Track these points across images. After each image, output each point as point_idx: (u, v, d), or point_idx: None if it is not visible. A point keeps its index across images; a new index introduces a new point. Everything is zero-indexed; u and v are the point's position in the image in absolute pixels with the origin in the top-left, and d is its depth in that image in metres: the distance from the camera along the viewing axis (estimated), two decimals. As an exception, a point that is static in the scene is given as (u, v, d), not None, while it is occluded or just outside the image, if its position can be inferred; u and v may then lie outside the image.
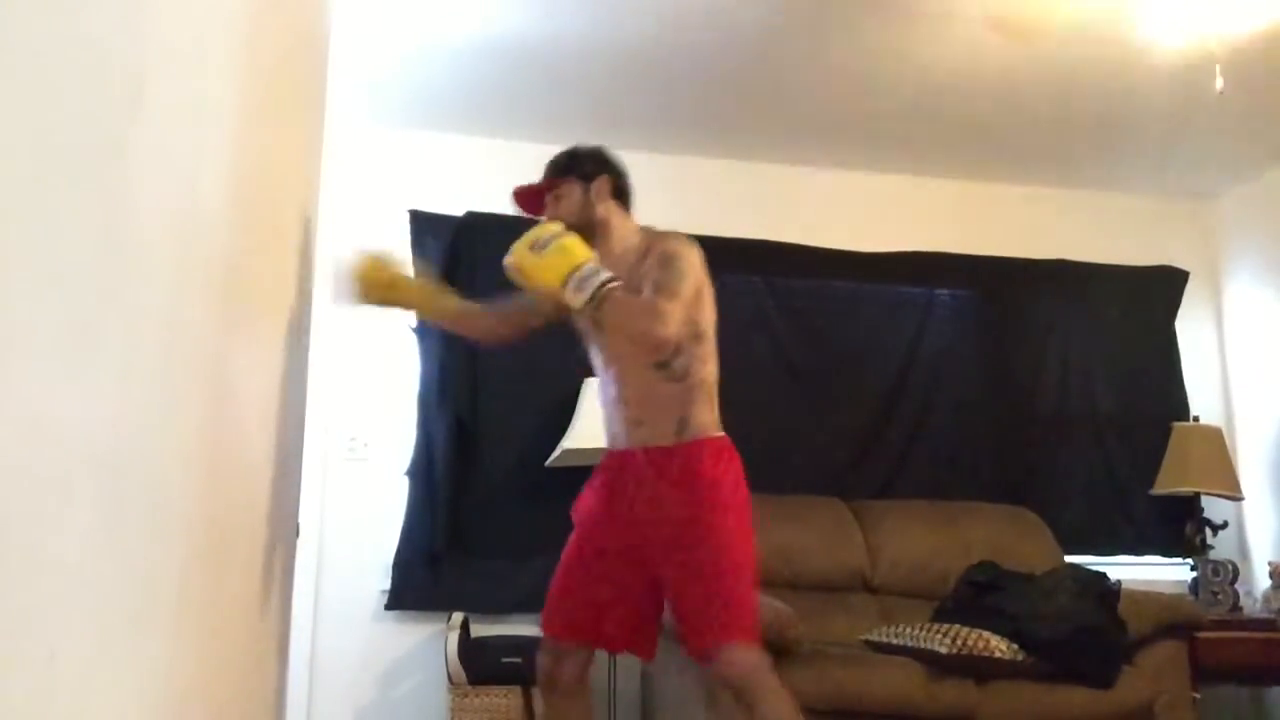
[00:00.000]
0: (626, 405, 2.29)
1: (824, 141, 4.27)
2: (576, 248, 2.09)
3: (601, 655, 3.67)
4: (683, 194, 4.34)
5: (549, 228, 2.14)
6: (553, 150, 4.13)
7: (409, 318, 4.00)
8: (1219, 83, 3.07)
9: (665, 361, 2.21)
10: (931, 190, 4.59)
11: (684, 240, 2.27)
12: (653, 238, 2.31)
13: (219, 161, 1.17)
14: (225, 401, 1.30)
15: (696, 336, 2.23)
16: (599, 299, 2.05)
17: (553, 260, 2.06)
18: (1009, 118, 4.02)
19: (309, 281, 2.58)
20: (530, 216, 2.42)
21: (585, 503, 2.37)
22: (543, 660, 2.33)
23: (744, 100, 3.91)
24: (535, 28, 3.40)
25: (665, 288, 2.14)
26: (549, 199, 2.37)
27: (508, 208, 4.12)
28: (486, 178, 4.18)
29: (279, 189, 1.85)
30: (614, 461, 2.34)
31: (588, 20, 3.36)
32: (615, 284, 2.07)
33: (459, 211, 4.06)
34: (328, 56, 3.07)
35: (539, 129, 4.12)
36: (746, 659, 2.12)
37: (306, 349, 2.61)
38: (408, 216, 4.05)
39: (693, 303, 2.19)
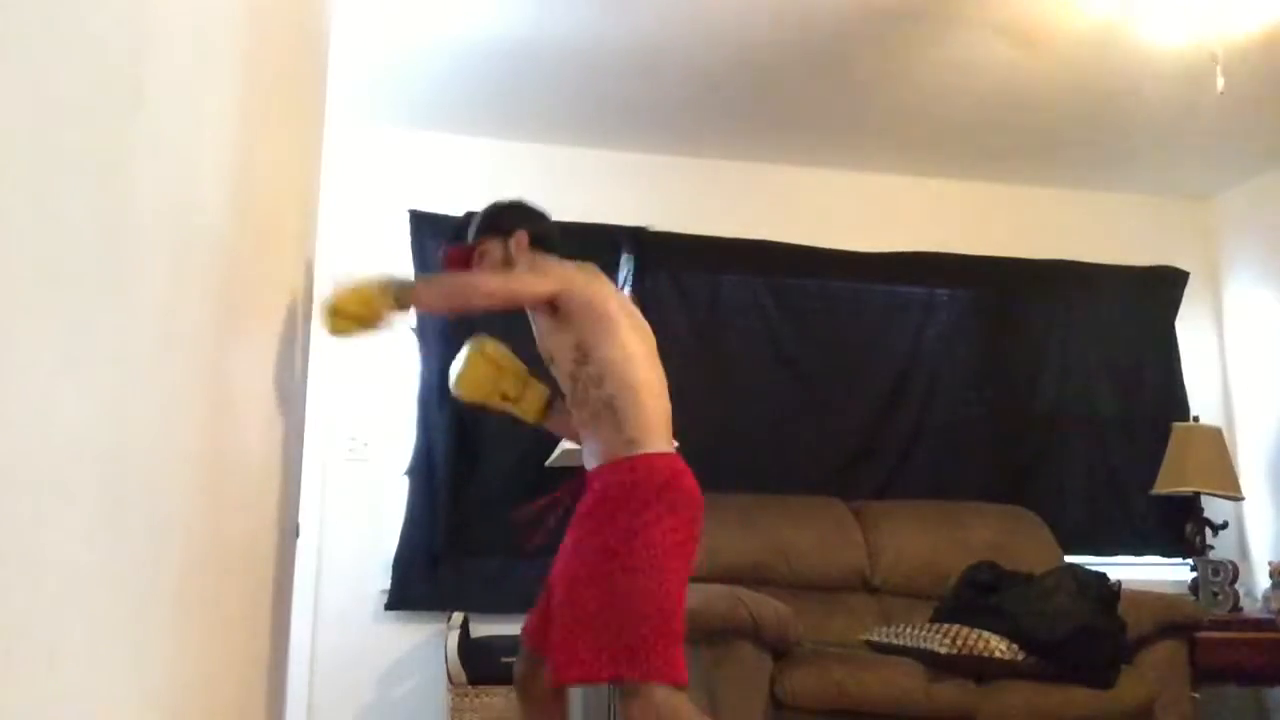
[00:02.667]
0: (580, 436, 2.38)
1: (825, 142, 4.27)
2: (369, 285, 2.16)
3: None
4: (683, 194, 4.35)
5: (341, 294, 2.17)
6: (552, 150, 4.21)
7: (410, 318, 4.01)
8: (1219, 83, 3.07)
9: (571, 388, 2.26)
10: (931, 190, 4.60)
11: (570, 265, 2.35)
12: None
13: (219, 161, 1.17)
14: (225, 401, 1.30)
15: (583, 360, 2.24)
16: (403, 294, 2.14)
17: (359, 290, 2.13)
18: (1009, 118, 4.02)
19: (309, 281, 2.59)
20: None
21: None
22: (519, 664, 2.37)
23: (744, 101, 3.91)
24: (535, 28, 3.40)
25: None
26: (475, 257, 2.46)
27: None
28: (486, 178, 4.19)
29: (279, 189, 1.85)
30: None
31: (587, 21, 3.36)
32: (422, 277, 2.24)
33: (459, 211, 4.06)
34: (328, 56, 3.07)
35: (539, 129, 4.13)
36: (645, 705, 2.00)
37: (307, 349, 2.61)
38: (408, 216, 4.05)
39: (579, 324, 2.23)
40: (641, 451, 2.17)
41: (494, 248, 2.43)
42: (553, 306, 2.26)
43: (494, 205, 2.53)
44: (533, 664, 2.31)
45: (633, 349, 2.24)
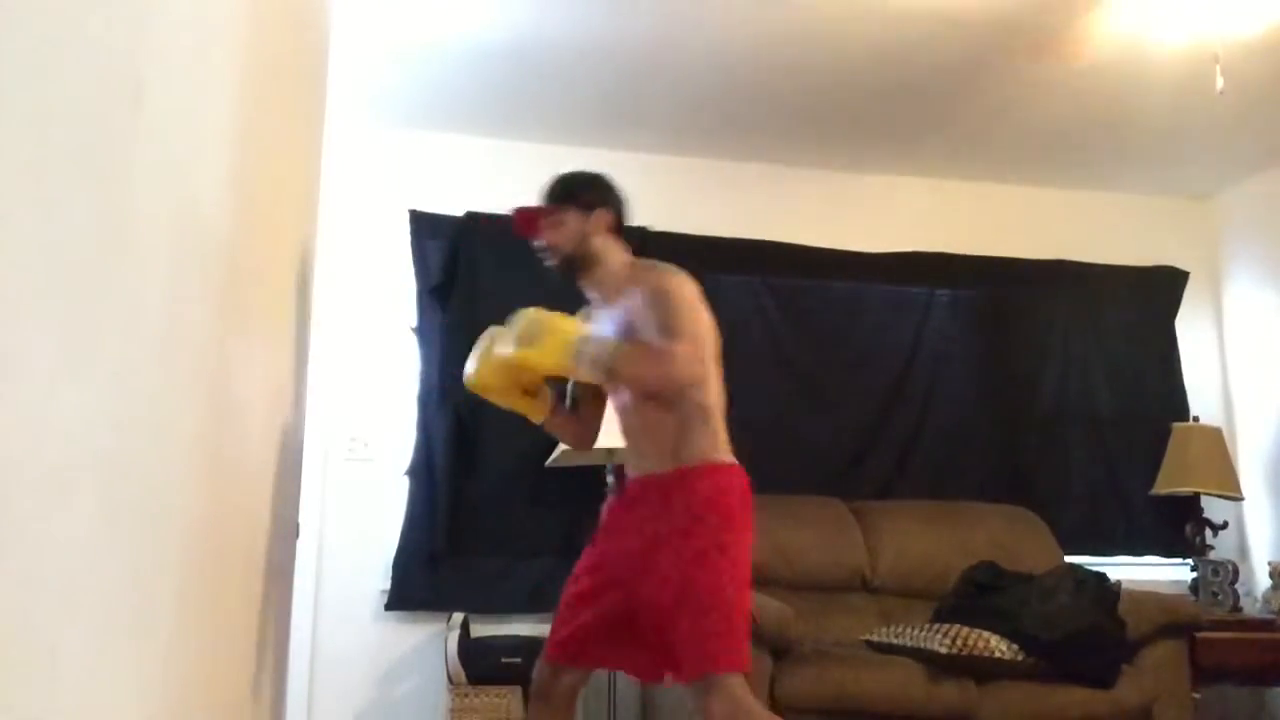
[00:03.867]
0: (631, 436, 2.30)
1: (824, 142, 4.27)
2: (565, 324, 2.12)
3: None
4: (683, 194, 4.35)
5: (523, 315, 2.13)
6: (552, 150, 4.20)
7: (410, 316, 4.01)
8: (1219, 83, 3.07)
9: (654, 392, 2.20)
10: (932, 190, 4.60)
11: (672, 273, 2.24)
12: (640, 271, 2.29)
13: (219, 161, 1.17)
14: (225, 401, 1.30)
15: None
16: (610, 365, 2.08)
17: (552, 345, 2.08)
18: (1009, 118, 4.02)
19: (309, 281, 2.59)
20: (525, 238, 2.41)
21: (600, 530, 2.35)
22: (541, 671, 2.32)
23: (744, 101, 3.91)
24: (535, 28, 3.40)
25: (667, 328, 2.14)
26: (545, 224, 2.34)
27: (507, 208, 4.15)
28: (486, 178, 4.19)
29: (279, 189, 1.85)
30: (625, 489, 2.35)
31: (588, 21, 3.36)
32: (619, 347, 2.12)
33: (459, 211, 4.07)
34: (328, 56, 3.07)
35: (539, 129, 4.13)
36: (727, 697, 2.03)
37: (307, 349, 2.61)
38: (408, 216, 4.05)
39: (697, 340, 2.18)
40: (730, 461, 2.24)
41: (572, 220, 2.31)
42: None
43: (578, 174, 2.40)
44: (556, 672, 2.28)
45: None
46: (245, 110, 1.32)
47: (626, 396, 2.27)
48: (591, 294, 2.38)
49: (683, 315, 2.17)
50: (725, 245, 4.29)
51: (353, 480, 3.90)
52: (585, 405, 2.47)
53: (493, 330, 2.27)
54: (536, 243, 2.35)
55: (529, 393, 2.31)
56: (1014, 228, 4.60)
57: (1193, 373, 4.62)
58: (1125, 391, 4.51)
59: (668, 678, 2.25)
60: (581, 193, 2.34)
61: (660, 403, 2.19)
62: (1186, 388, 4.58)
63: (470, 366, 2.26)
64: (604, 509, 2.42)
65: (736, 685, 2.05)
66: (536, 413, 2.36)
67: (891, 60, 3.59)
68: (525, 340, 2.09)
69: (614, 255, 2.34)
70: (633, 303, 2.22)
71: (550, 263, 2.34)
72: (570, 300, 2.37)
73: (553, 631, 2.31)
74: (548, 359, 2.09)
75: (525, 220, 2.37)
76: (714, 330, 2.27)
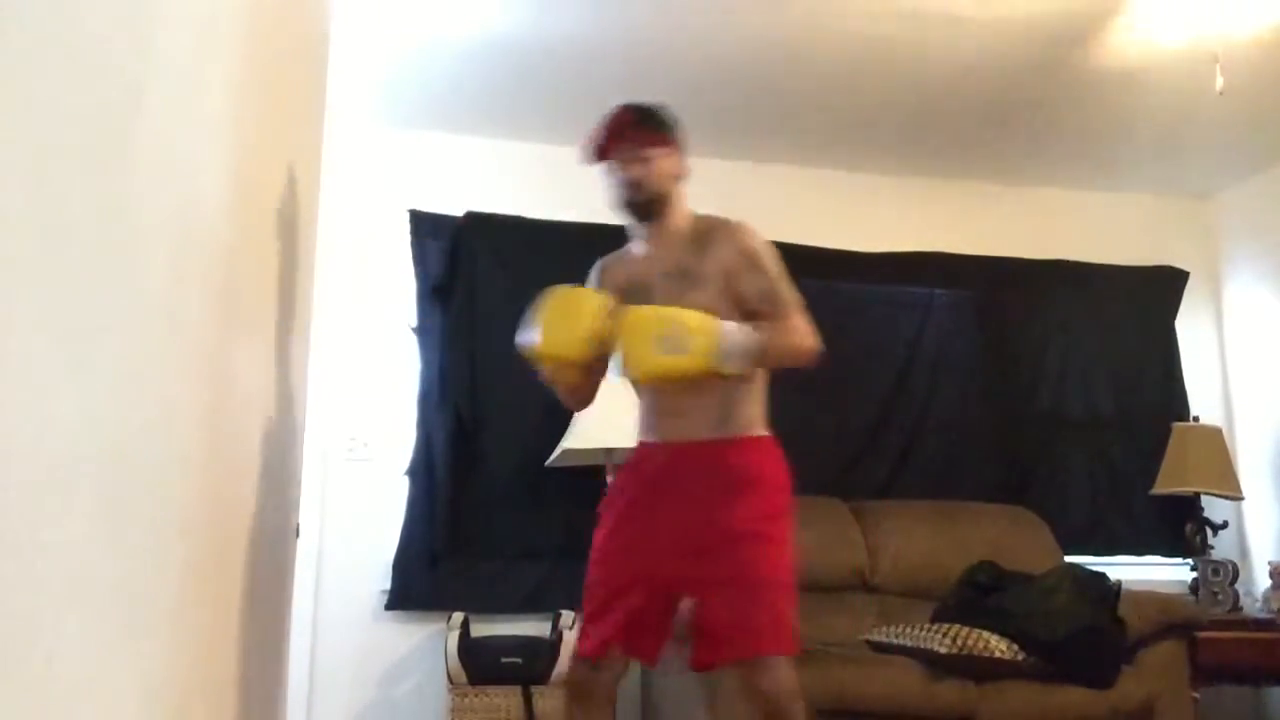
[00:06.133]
0: (664, 395, 2.14)
1: (824, 141, 4.27)
2: (706, 323, 1.98)
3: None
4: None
5: (649, 316, 1.98)
6: (552, 150, 4.19)
7: (410, 316, 4.00)
8: (1219, 83, 3.07)
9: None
10: (932, 190, 4.59)
11: (751, 232, 2.19)
12: (711, 225, 2.18)
13: (219, 161, 1.17)
14: (225, 401, 1.30)
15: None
16: (759, 355, 2.05)
17: (701, 349, 1.96)
18: (1010, 118, 4.01)
19: (309, 281, 2.59)
20: (598, 162, 2.19)
21: (611, 505, 2.19)
22: (579, 670, 2.13)
23: (744, 101, 3.90)
24: (536, 28, 3.40)
25: (781, 298, 2.13)
26: (637, 158, 2.12)
27: (508, 208, 4.16)
28: (486, 178, 4.19)
29: (279, 189, 1.85)
30: (644, 456, 2.19)
31: (588, 20, 3.36)
32: (755, 336, 2.04)
33: (459, 211, 4.07)
34: (328, 56, 3.07)
35: (539, 129, 4.13)
36: (785, 676, 2.06)
37: (306, 348, 2.61)
38: (408, 216, 4.05)
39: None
40: (768, 435, 2.19)
41: (670, 159, 2.15)
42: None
43: (664, 110, 2.21)
44: (594, 670, 2.10)
45: None
46: (245, 110, 1.32)
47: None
48: (647, 239, 2.20)
49: (786, 282, 2.15)
50: (725, 245, 4.28)
51: (352, 480, 3.90)
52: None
53: (565, 292, 2.04)
54: (621, 174, 2.13)
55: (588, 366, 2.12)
56: (1014, 228, 4.60)
57: (1193, 373, 4.62)
58: (1125, 391, 4.51)
59: (666, 660, 2.16)
60: (678, 131, 2.20)
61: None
62: (1186, 388, 4.58)
63: (546, 336, 2.02)
64: (618, 484, 2.22)
65: (785, 666, 2.07)
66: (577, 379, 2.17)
67: (889, 58, 3.59)
68: (672, 346, 1.94)
69: (683, 203, 2.23)
70: (716, 258, 2.13)
71: (634, 199, 2.14)
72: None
73: (589, 626, 2.10)
74: (697, 363, 1.96)
75: (608, 143, 2.14)
76: None
